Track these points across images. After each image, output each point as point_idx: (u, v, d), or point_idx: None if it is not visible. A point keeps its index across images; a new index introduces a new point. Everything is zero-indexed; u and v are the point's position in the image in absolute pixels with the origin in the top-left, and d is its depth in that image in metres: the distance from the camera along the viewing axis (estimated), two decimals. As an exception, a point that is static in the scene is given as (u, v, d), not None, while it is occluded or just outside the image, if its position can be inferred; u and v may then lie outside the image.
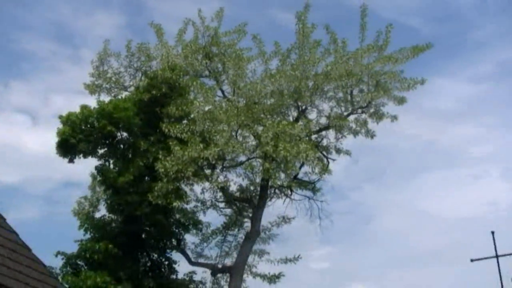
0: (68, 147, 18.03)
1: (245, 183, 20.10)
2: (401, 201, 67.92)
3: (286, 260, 20.59)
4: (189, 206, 19.92)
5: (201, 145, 17.01)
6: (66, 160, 18.35)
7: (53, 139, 18.12)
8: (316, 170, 18.07)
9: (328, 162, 19.51)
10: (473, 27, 74.77)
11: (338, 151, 19.59)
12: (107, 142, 18.64)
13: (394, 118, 19.20)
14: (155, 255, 19.42)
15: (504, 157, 73.46)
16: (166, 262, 19.50)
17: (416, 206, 67.04)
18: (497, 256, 26.68)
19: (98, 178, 19.19)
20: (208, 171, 18.75)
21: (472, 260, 27.74)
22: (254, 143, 18.28)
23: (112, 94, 20.60)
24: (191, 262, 20.59)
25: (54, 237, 43.53)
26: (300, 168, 18.90)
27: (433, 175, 69.47)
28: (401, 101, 19.06)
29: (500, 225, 61.51)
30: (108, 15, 58.76)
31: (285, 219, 20.69)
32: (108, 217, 19.01)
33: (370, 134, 19.21)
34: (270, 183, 18.61)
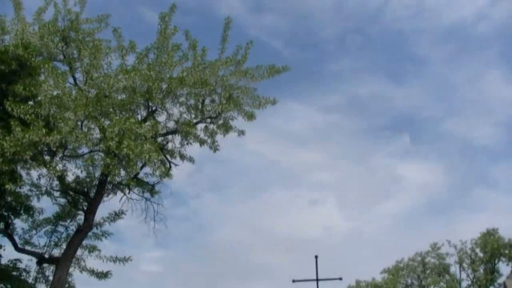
0: None
1: (83, 175, 19.76)
2: (240, 215, 69.34)
3: (116, 259, 20.43)
4: (22, 190, 19.26)
5: (44, 130, 16.35)
6: None
7: None
8: (157, 173, 18.10)
9: (170, 166, 19.57)
10: (332, 59, 78.20)
11: (182, 157, 19.72)
12: None
13: (242, 132, 19.61)
14: (-21, 236, 18.60)
15: (342, 186, 77.37)
16: (-10, 245, 18.74)
17: (254, 222, 68.69)
18: (317, 280, 27.97)
19: None
20: (47, 158, 18.14)
21: (293, 281, 28.87)
22: (98, 136, 17.88)
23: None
24: (17, 248, 19.89)
25: None
26: (141, 168, 18.79)
27: (274, 194, 71.71)
28: (250, 117, 19.42)
29: (329, 250, 64.63)
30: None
31: (118, 214, 20.56)
32: None
33: (214, 147, 19.52)
34: (109, 179, 18.36)
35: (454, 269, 54.32)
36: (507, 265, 52.87)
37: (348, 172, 73.33)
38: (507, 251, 52.23)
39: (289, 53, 67.31)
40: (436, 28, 74.58)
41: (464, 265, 53.77)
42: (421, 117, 78.24)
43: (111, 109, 17.90)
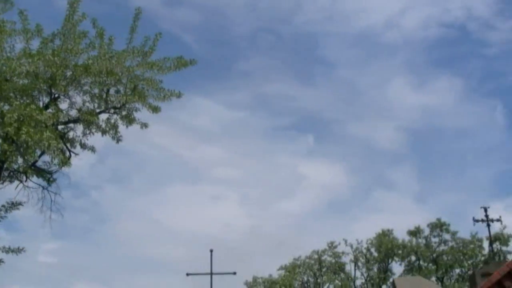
0: None
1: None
2: (141, 208, 68.73)
3: (8, 250, 19.84)
4: None
5: None
6: None
7: None
8: (56, 161, 17.77)
9: (70, 155, 19.20)
10: (242, 57, 78.84)
11: (84, 146, 19.37)
12: None
13: (145, 125, 19.48)
14: None
15: (245, 183, 78.14)
16: None
17: (154, 215, 68.25)
18: (211, 274, 28.21)
19: None
20: None
21: (187, 274, 29.03)
22: (-4, 121, 17.35)
23: None
24: None
25: None
26: (40, 156, 18.29)
27: (176, 188, 71.54)
28: (155, 109, 19.33)
29: (228, 246, 65.11)
30: None
31: (15, 204, 19.98)
32: None
33: (117, 138, 19.33)
34: (5, 166, 17.84)
35: (350, 267, 55.95)
36: (400, 265, 55.08)
37: (251, 169, 74.29)
38: (400, 252, 54.30)
39: (200, 48, 67.46)
40: (346, 33, 76.76)
41: (359, 264, 55.49)
42: (326, 118, 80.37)
43: (11, 94, 17.35)
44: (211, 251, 28.60)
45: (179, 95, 19.44)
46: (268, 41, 75.11)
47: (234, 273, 29.84)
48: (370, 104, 74.62)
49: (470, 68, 71.97)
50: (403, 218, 71.47)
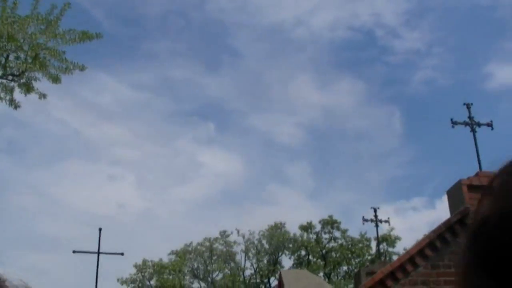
0: None
1: None
2: (33, 182, 66.50)
3: None
4: None
5: None
6: None
7: None
8: None
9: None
10: (150, 38, 77.64)
11: (-24, 111, 18.58)
12: None
13: (43, 96, 18.81)
14: None
15: (143, 165, 77.24)
16: None
17: (49, 191, 66.23)
18: (98, 253, 27.74)
19: None
20: None
21: (74, 252, 28.50)
22: None
23: None
24: None
25: None
26: None
27: (72, 165, 69.70)
28: (55, 79, 18.65)
29: (120, 227, 64.20)
30: None
31: None
32: None
33: (15, 104, 18.58)
34: None
35: (240, 257, 56.33)
36: (290, 258, 55.96)
37: (150, 152, 73.36)
38: (290, 245, 55.13)
39: (109, 25, 65.81)
40: (257, 26, 76.99)
41: (250, 254, 55.96)
42: (229, 108, 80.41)
43: None
44: (100, 229, 28.10)
45: (82, 68, 18.85)
46: (178, 24, 74.37)
47: (122, 254, 29.46)
48: (273, 98, 75.32)
49: (373, 73, 74.04)
50: (296, 213, 72.69)
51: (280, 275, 17.17)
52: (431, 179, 72.59)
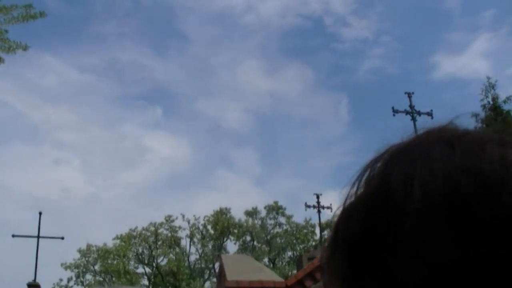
0: None
1: None
2: (-25, 164, 64.99)
3: None
4: None
5: None
6: None
7: None
8: None
9: None
10: (97, 20, 76.50)
11: None
12: None
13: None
14: None
15: (88, 149, 76.31)
16: None
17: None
18: (38, 237, 27.47)
19: None
20: None
21: (13, 236, 28.16)
22: None
23: None
24: None
25: None
26: None
27: (15, 147, 68.32)
28: (-3, 60, 18.33)
29: (64, 211, 63.31)
30: None
31: None
32: None
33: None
34: None
35: (185, 242, 56.25)
36: (235, 244, 56.19)
37: (96, 136, 72.28)
38: (236, 231, 55.37)
39: (55, 5, 64.35)
40: (206, 10, 76.48)
41: (195, 239, 55.96)
42: (176, 92, 79.68)
43: None
44: (40, 213, 27.79)
45: (25, 48, 18.48)
46: (126, 7, 73.28)
47: (62, 238, 29.20)
48: (221, 84, 75.07)
49: (321, 61, 74.54)
50: (242, 199, 72.94)
51: (220, 260, 17.25)
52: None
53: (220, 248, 55.89)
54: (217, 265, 54.13)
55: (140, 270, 55.63)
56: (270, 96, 78.84)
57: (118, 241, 54.82)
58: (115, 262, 52.94)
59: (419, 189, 0.70)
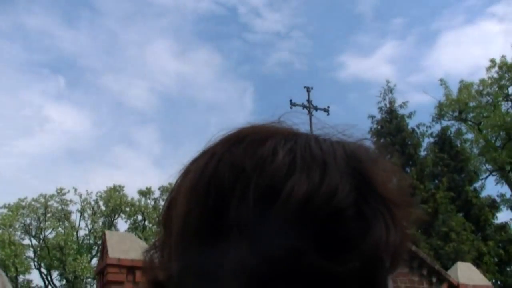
0: None
1: None
2: None
3: None
4: None
5: None
6: None
7: None
8: None
9: None
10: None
11: None
12: None
13: None
14: None
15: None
16: None
17: None
18: None
19: None
20: None
21: None
22: None
23: None
24: None
25: None
26: None
27: None
28: None
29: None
30: None
31: None
32: None
33: None
34: None
35: (75, 217, 55.69)
36: (126, 222, 56.18)
37: (-5, 102, 70.24)
38: (128, 209, 55.32)
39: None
40: (118, -16, 75.32)
41: (86, 214, 55.48)
42: (82, 65, 78.24)
43: None
44: None
45: None
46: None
47: None
48: (129, 61, 74.39)
49: (231, 49, 75.33)
50: (139, 178, 72.94)
51: (103, 236, 17.54)
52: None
53: (110, 225, 55.77)
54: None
55: (27, 241, 54.71)
56: (178, 78, 78.95)
57: (5, 210, 53.68)
58: (0, 231, 51.84)
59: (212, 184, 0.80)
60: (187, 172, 0.88)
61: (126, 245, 17.72)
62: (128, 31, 76.86)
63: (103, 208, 55.60)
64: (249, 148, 0.81)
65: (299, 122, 0.90)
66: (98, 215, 55.68)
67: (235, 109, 75.99)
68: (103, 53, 75.19)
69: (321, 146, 0.81)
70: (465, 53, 60.23)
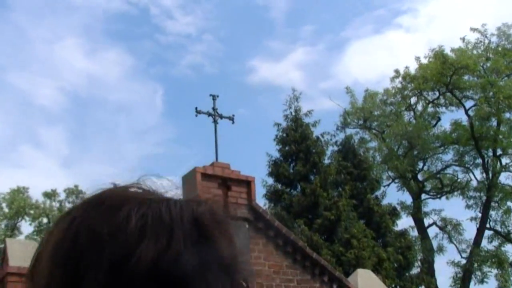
0: None
1: None
2: None
3: None
4: None
5: None
6: None
7: None
8: None
9: None
10: None
11: None
12: None
13: None
14: None
15: None
16: None
17: None
18: None
19: None
20: None
21: None
22: None
23: None
24: None
25: None
26: None
27: None
28: None
29: None
30: None
31: None
32: None
33: None
34: None
35: (-24, 219, 53.75)
36: (30, 224, 54.56)
37: None
38: (32, 211, 53.84)
39: None
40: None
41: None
42: (-14, 61, 75.43)
43: None
44: None
45: None
46: None
47: None
48: (36, 58, 72.16)
49: (143, 50, 74.43)
50: (45, 179, 70.96)
51: (4, 244, 17.08)
52: (186, 161, 75.11)
53: (13, 228, 54.11)
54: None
55: None
56: (87, 78, 77.23)
57: None
58: None
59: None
60: (50, 234, 0.93)
61: (27, 252, 17.30)
62: (37, 28, 74.62)
63: (6, 210, 53.85)
64: (106, 213, 0.87)
65: (162, 183, 0.99)
66: (1, 218, 53.90)
67: (144, 110, 75.23)
68: (9, 48, 72.69)
69: (171, 211, 0.87)
70: (373, 62, 61.66)
